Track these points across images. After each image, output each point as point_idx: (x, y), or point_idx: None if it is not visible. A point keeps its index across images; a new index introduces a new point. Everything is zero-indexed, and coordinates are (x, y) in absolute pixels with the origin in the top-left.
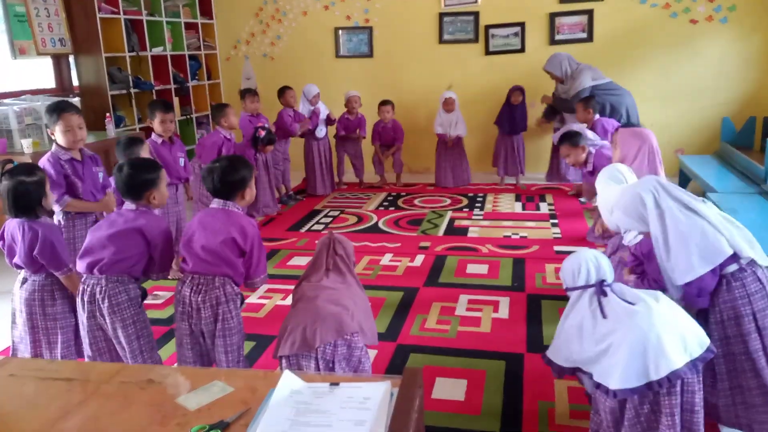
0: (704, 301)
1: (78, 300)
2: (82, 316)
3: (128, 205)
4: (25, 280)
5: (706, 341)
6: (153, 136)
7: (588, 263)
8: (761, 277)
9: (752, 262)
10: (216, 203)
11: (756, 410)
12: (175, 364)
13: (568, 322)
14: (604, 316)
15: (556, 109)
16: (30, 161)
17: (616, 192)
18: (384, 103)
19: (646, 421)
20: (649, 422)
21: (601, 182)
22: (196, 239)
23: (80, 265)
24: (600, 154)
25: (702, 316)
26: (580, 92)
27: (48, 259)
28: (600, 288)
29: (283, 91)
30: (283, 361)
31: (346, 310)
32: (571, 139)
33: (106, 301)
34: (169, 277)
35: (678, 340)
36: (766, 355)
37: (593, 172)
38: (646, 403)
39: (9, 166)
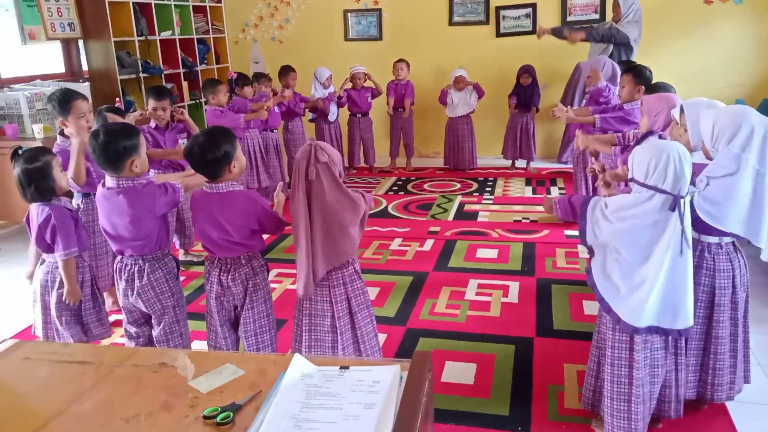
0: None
1: (116, 278)
2: (120, 296)
3: (109, 181)
4: (43, 261)
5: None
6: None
7: (672, 161)
8: (733, 260)
9: (733, 244)
10: (208, 188)
11: (688, 370)
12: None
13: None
14: (681, 252)
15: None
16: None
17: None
18: (399, 61)
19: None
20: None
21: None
22: (208, 232)
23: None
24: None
25: None
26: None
27: (52, 239)
28: (676, 201)
29: (287, 71)
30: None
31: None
32: (641, 74)
33: (145, 278)
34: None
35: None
36: (708, 323)
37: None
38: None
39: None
